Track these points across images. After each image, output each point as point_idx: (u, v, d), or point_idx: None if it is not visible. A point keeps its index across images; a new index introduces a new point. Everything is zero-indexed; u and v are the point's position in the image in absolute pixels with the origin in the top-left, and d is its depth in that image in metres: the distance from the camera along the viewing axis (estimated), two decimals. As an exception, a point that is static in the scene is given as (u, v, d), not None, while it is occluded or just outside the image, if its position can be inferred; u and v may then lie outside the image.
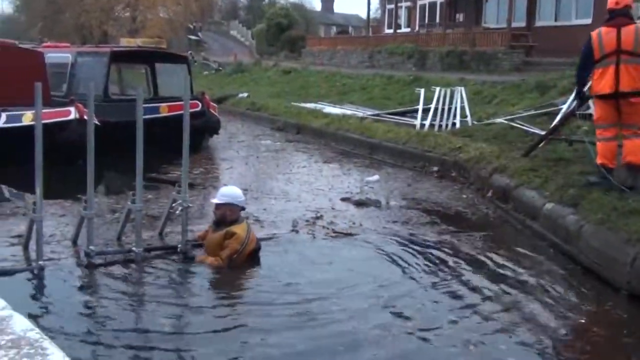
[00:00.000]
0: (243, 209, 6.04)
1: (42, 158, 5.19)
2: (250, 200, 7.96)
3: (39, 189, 5.26)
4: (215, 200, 5.92)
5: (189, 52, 32.42)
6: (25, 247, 5.82)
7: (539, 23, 23.69)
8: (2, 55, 10.96)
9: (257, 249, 5.93)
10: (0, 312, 2.38)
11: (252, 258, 5.82)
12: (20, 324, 2.28)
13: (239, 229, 5.74)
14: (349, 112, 16.06)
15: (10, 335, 2.15)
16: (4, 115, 9.72)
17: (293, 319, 4.60)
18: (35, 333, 2.19)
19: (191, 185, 7.85)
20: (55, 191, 7.41)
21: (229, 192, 5.98)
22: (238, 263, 5.65)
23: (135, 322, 4.56)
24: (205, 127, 12.27)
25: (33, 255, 5.53)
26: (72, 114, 9.81)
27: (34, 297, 4.94)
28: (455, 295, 5.20)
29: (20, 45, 13.40)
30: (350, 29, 54.81)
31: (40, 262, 5.30)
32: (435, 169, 10.55)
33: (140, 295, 5.07)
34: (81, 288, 5.15)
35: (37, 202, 5.30)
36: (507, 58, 21.41)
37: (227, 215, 5.84)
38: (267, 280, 5.40)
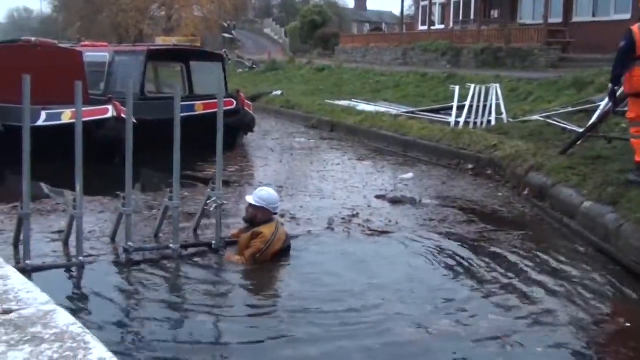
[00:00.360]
0: (275, 214, 6.05)
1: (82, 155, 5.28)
2: (286, 197, 8.00)
3: (79, 186, 5.34)
4: (250, 200, 5.94)
5: (224, 50, 32.64)
6: (65, 243, 5.92)
7: (576, 19, 23.30)
8: (43, 54, 11.19)
9: (286, 248, 5.93)
10: (44, 307, 2.40)
11: (280, 257, 5.82)
12: (63, 318, 2.30)
13: (265, 229, 5.76)
14: (382, 109, 16.01)
15: (54, 329, 2.18)
16: (43, 113, 9.89)
17: (336, 327, 4.47)
18: (77, 327, 2.22)
19: (226, 183, 7.92)
20: (94, 188, 7.50)
21: (266, 196, 5.92)
22: (262, 261, 5.67)
23: (172, 322, 4.56)
24: (240, 124, 12.32)
25: (73, 251, 5.64)
26: (110, 112, 9.93)
27: (74, 293, 5.03)
28: (495, 295, 5.15)
29: (60, 45, 13.66)
30: (383, 26, 54.57)
31: (81, 258, 5.41)
32: (470, 166, 10.46)
33: (177, 294, 5.11)
34: (120, 284, 5.22)
35: (78, 199, 5.40)
36: (543, 55, 21.15)
37: (259, 217, 5.87)
38: (306, 284, 5.32)
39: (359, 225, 7.00)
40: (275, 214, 6.06)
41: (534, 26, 23.41)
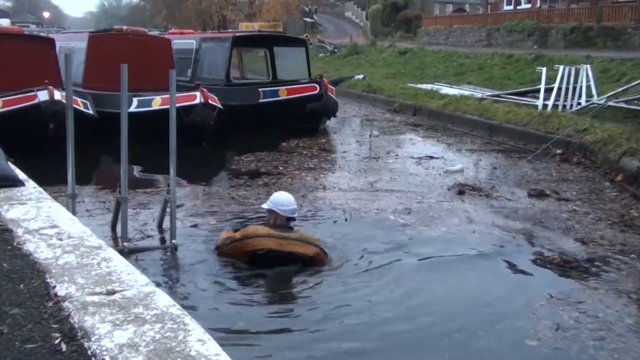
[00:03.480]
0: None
1: (175, 141, 5.36)
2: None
3: (172, 170, 5.47)
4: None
5: (305, 35, 32.71)
6: (159, 226, 6.10)
7: (674, -6, 22.08)
8: (134, 42, 11.55)
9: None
10: (144, 288, 2.46)
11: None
12: (163, 299, 2.36)
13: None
14: (466, 92, 15.71)
15: (154, 311, 2.24)
16: (135, 100, 10.19)
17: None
18: (176, 309, 2.27)
19: (311, 169, 7.87)
20: (184, 173, 7.57)
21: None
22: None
23: (264, 304, 4.65)
24: (323, 109, 12.32)
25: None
26: (198, 98, 10.11)
27: (169, 274, 5.13)
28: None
29: (150, 33, 14.04)
30: (467, 6, 53.28)
31: (174, 241, 5.53)
32: (559, 151, 10.10)
33: (270, 278, 5.12)
34: (211, 267, 5.27)
35: (171, 184, 5.53)
36: (637, 33, 20.19)
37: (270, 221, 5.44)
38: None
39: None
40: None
41: (628, 3, 22.34)
